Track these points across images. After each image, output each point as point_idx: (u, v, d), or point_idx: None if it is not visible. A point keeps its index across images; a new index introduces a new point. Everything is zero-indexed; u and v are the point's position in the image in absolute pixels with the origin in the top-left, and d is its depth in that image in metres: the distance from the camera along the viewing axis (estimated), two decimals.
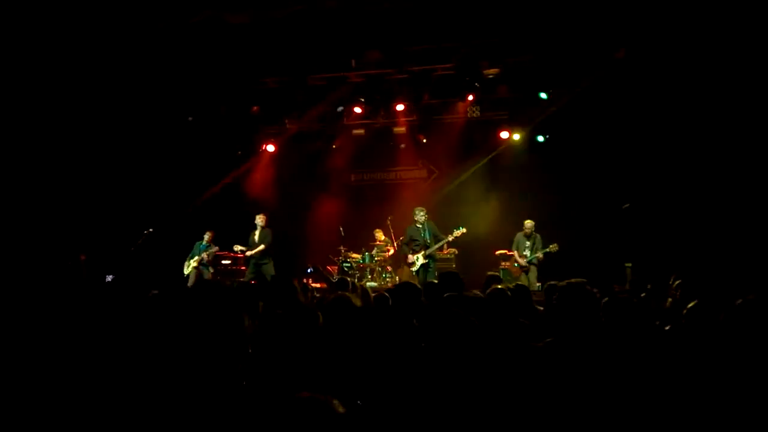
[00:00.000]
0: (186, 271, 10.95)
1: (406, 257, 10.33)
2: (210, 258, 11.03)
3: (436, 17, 9.20)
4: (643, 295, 4.97)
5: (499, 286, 4.15)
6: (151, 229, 10.78)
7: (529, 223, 10.42)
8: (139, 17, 8.99)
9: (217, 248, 11.11)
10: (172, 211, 12.08)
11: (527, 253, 10.34)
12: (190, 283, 10.51)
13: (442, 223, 10.55)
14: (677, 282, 5.02)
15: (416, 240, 10.11)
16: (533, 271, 10.32)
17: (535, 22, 9.23)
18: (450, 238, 10.04)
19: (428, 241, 10.08)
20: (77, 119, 10.62)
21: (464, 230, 10.01)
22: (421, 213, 10.16)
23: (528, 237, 10.39)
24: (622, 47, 9.75)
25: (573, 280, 3.58)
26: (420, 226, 10.12)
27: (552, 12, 8.84)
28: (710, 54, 8.91)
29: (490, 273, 6.35)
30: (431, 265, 10.03)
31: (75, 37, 9.13)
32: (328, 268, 11.91)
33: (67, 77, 9.95)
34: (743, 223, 9.19)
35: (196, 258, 10.94)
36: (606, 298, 2.97)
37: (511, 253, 10.69)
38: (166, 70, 10.93)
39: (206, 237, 11.13)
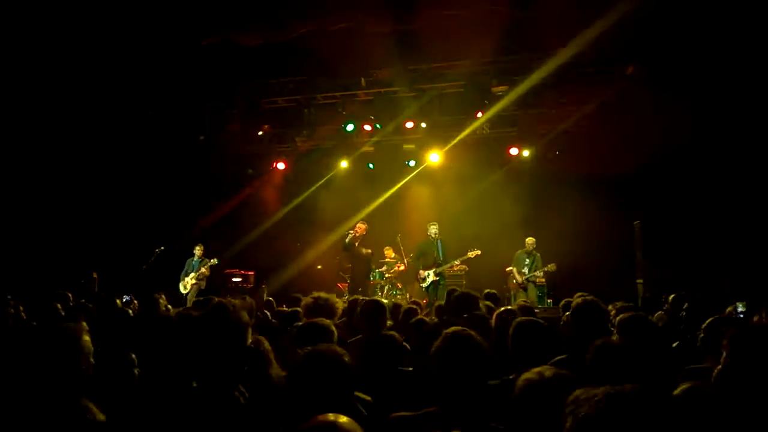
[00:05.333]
0: (184, 291, 10.91)
1: (417, 273, 10.32)
2: (208, 272, 10.99)
3: (443, 36, 9.27)
4: (659, 313, 4.92)
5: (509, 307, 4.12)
6: (162, 248, 10.81)
7: (530, 241, 10.48)
8: (151, 38, 9.13)
9: (215, 260, 11.04)
10: (183, 229, 12.15)
11: (525, 270, 10.38)
12: (189, 301, 10.39)
13: (452, 240, 10.53)
14: (671, 296, 5.01)
15: (427, 255, 10.12)
16: (532, 289, 10.33)
17: (543, 39, 9.29)
18: (464, 258, 10.10)
19: (440, 258, 10.08)
20: (90, 138, 10.74)
21: (479, 252, 10.04)
22: (434, 228, 10.20)
23: (528, 254, 10.45)
24: (632, 63, 9.76)
25: (588, 297, 3.55)
26: (432, 241, 10.14)
27: (561, 28, 8.88)
28: (720, 68, 8.90)
29: (487, 291, 6.29)
30: (441, 282, 10.02)
31: (91, 58, 9.28)
32: (339, 285, 11.90)
33: (82, 97, 10.09)
34: (756, 237, 9.10)
35: (193, 275, 10.92)
36: (623, 315, 2.94)
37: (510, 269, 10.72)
38: (179, 90, 11.07)
39: (197, 252, 11.08)
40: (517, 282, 10.54)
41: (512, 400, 2.10)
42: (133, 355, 3.73)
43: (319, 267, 12.88)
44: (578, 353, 3.13)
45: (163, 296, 6.30)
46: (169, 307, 6.19)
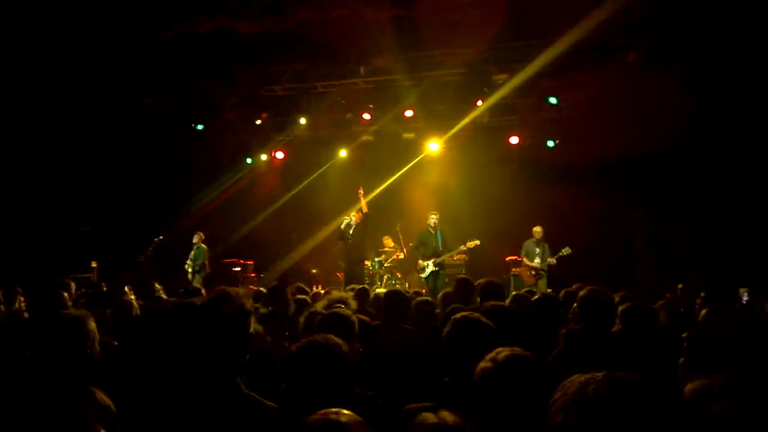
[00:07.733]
0: (190, 277, 11.00)
1: (416, 263, 10.29)
2: (205, 258, 11.17)
3: (443, 23, 9.18)
4: (661, 303, 4.91)
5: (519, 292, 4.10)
6: (161, 237, 10.80)
7: (538, 230, 10.32)
8: (147, 25, 9.03)
9: (204, 246, 11.21)
10: (182, 218, 12.13)
11: (538, 260, 10.22)
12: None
13: (452, 230, 10.50)
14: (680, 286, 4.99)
15: (426, 244, 10.08)
16: (543, 278, 10.22)
17: (543, 26, 9.20)
18: (462, 248, 10.03)
19: (439, 248, 10.05)
20: (88, 127, 10.68)
21: (478, 242, 9.97)
22: (434, 217, 10.15)
23: (537, 244, 10.30)
24: (633, 49, 9.68)
25: (589, 287, 3.52)
26: (432, 231, 10.09)
27: (561, 16, 8.80)
28: (722, 56, 8.84)
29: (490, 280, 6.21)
30: (441, 272, 10.00)
31: (87, 47, 9.19)
32: (338, 274, 11.89)
33: (81, 87, 10.01)
34: (759, 224, 9.08)
35: (189, 262, 11.15)
36: (626, 305, 2.92)
37: (520, 259, 10.58)
38: (176, 79, 10.97)
39: (195, 239, 11.24)
40: (532, 274, 10.21)
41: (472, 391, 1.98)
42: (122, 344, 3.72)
43: (314, 271, 12.82)
44: (582, 344, 3.12)
45: (157, 284, 6.33)
46: (164, 296, 6.19)
